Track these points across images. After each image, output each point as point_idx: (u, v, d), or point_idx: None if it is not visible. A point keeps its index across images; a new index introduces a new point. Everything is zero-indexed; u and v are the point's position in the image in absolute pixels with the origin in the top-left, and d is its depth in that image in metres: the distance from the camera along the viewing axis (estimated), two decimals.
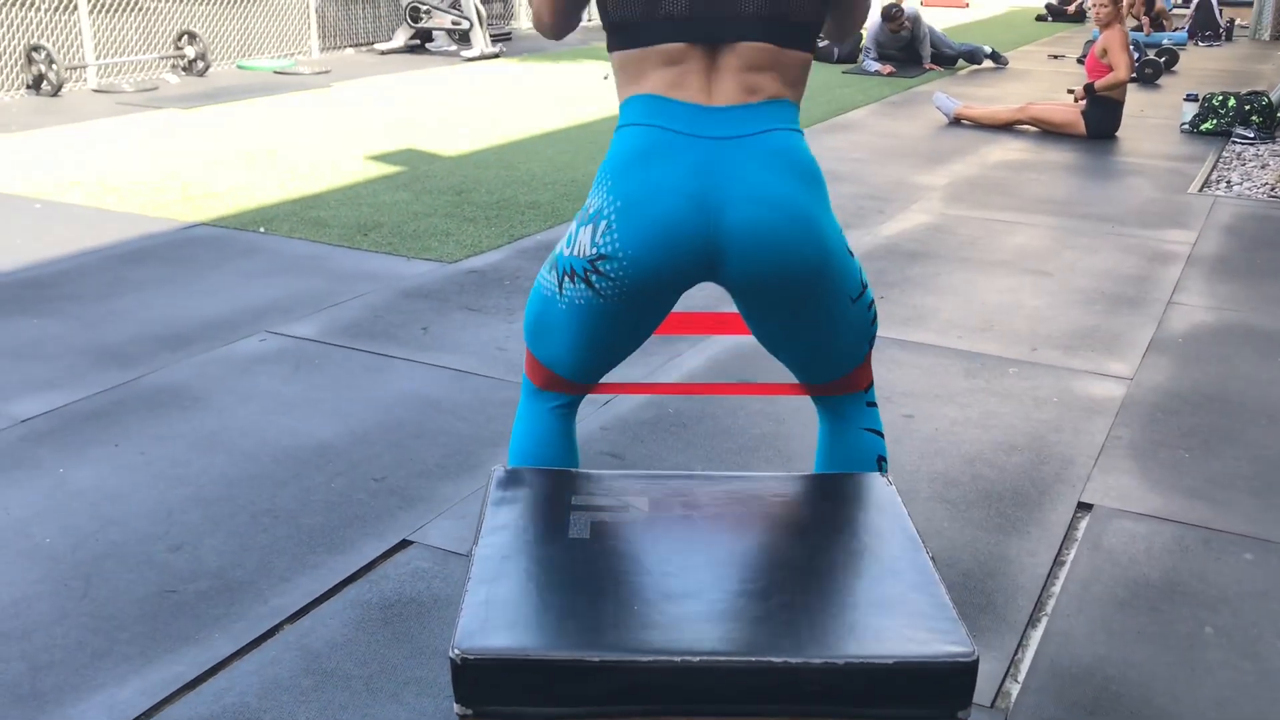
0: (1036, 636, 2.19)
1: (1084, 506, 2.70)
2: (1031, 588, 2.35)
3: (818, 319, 1.72)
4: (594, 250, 1.64)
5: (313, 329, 3.70)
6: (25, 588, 2.25)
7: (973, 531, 2.56)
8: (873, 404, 1.90)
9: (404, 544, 2.45)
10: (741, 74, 1.64)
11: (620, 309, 1.68)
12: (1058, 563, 2.45)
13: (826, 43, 10.82)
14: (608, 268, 1.64)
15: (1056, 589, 2.35)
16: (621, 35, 1.67)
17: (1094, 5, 7.35)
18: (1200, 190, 5.92)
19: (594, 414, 3.10)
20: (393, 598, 2.25)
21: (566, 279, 1.70)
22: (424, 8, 10.56)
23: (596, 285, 1.66)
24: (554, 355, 1.82)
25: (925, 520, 2.60)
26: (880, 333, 3.78)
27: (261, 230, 4.81)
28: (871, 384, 1.91)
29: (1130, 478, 2.84)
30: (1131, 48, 10.39)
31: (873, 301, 1.83)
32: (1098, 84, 7.16)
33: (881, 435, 1.92)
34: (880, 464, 1.91)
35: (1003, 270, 4.49)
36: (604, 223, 1.63)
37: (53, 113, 7.42)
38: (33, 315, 3.77)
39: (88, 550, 2.39)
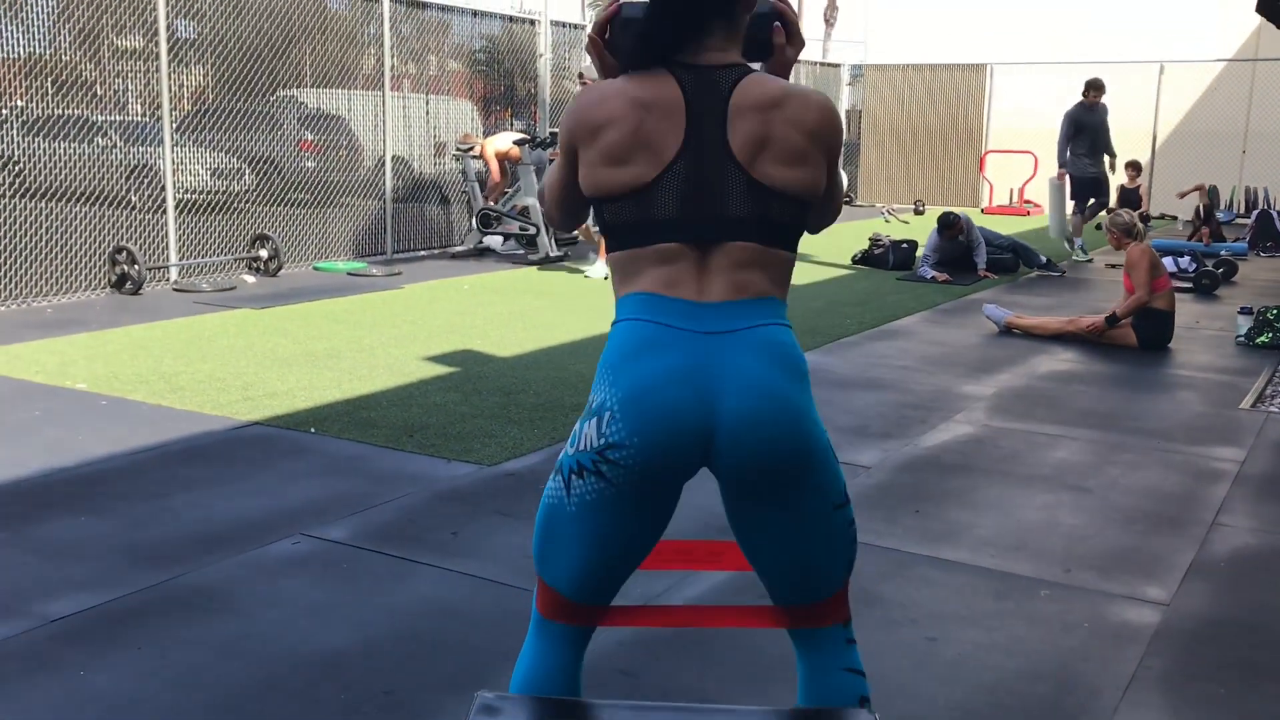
0: None
1: None
2: None
3: (799, 518, 1.78)
4: (602, 441, 1.73)
5: (345, 532, 3.76)
6: None
7: None
8: (852, 641, 1.89)
9: None
10: (731, 272, 1.77)
11: (629, 497, 1.74)
12: None
13: (881, 250, 11.04)
14: (617, 456, 1.72)
15: None
16: (619, 237, 1.80)
17: (1105, 230, 7.54)
18: (1253, 406, 5.86)
19: (612, 629, 3.09)
20: None
21: (575, 476, 1.77)
22: (493, 214, 11.03)
23: (608, 474, 1.73)
24: (560, 570, 1.84)
25: None
26: (911, 549, 3.75)
27: (312, 430, 4.96)
28: (850, 619, 1.90)
29: (1159, 713, 2.74)
30: (1189, 259, 10.47)
31: (853, 522, 1.86)
32: (1119, 310, 7.24)
33: (863, 675, 1.90)
34: (863, 704, 1.89)
35: (1042, 486, 4.45)
36: (608, 414, 1.72)
37: (132, 311, 7.80)
38: (83, 513, 3.90)
39: None
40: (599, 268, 9.87)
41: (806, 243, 12.96)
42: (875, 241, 11.25)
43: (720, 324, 1.74)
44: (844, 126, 1.97)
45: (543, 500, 1.86)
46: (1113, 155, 11.92)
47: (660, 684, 2.81)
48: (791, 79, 1.93)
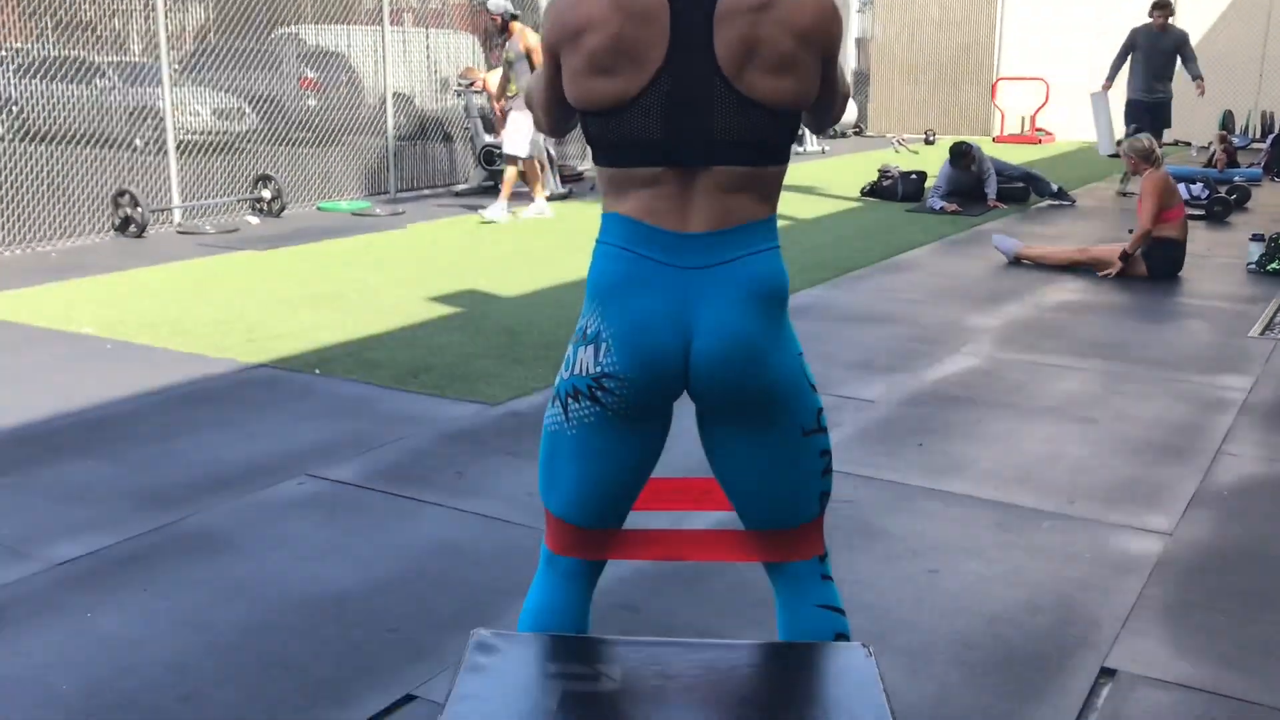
0: None
1: (1107, 672, 2.61)
2: None
3: (766, 442, 1.80)
4: (598, 369, 1.77)
5: (351, 472, 3.78)
6: None
7: (988, 698, 2.50)
8: (828, 577, 1.89)
9: (408, 699, 2.46)
10: (717, 196, 1.73)
11: (623, 417, 1.79)
12: None
13: (890, 182, 10.93)
14: (612, 385, 1.77)
15: None
16: (602, 153, 1.77)
17: (1123, 155, 7.45)
18: (1262, 334, 5.81)
19: (612, 565, 3.10)
20: None
21: (572, 400, 1.81)
22: (497, 151, 10.94)
23: (603, 400, 1.77)
24: (567, 495, 1.86)
25: (939, 685, 2.54)
26: (914, 482, 3.75)
27: (317, 371, 4.96)
28: (826, 555, 1.90)
29: (1159, 642, 2.75)
30: (1201, 185, 10.35)
31: (828, 452, 1.85)
32: (1128, 247, 7.13)
33: (841, 612, 1.89)
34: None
35: (1048, 417, 4.44)
36: (604, 345, 1.76)
37: (135, 254, 7.79)
38: (89, 457, 3.92)
39: (100, 699, 2.44)
40: (538, 205, 9.61)
41: (814, 175, 12.85)
42: (884, 173, 11.13)
43: (701, 258, 1.73)
44: (844, 31, 1.89)
45: (544, 431, 1.88)
46: (1196, 77, 10.76)
47: (660, 619, 2.83)
48: None
